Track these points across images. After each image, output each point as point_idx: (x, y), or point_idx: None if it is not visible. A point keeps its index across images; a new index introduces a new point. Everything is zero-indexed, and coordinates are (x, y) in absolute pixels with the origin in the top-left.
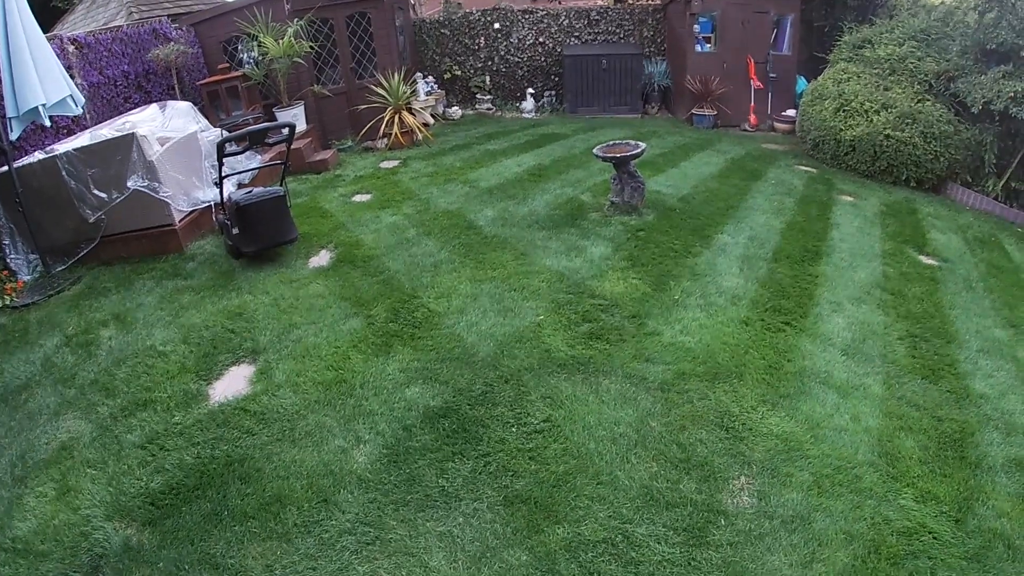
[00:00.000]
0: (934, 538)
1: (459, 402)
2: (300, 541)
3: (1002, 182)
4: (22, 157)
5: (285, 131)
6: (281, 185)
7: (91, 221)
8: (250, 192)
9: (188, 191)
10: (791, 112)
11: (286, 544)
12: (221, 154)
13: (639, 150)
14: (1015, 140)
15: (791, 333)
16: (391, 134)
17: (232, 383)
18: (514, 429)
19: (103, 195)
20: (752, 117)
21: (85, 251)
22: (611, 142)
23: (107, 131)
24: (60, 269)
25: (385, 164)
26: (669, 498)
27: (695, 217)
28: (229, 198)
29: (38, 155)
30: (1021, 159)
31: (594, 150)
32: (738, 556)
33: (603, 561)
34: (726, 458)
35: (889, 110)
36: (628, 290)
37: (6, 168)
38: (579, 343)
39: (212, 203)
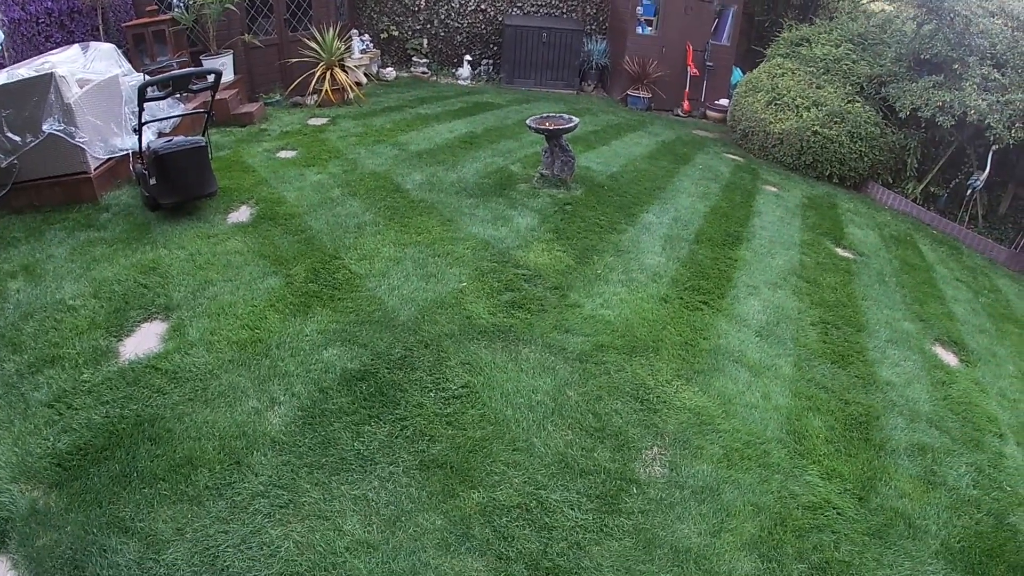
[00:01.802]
0: (838, 513)
1: (377, 365)
2: (211, 504)
3: (922, 186)
4: None
5: (211, 78)
6: (203, 136)
7: (3, 166)
8: (170, 141)
9: (106, 138)
10: (724, 101)
11: (197, 507)
12: (142, 98)
13: (572, 124)
14: (938, 148)
15: (708, 312)
16: (322, 91)
17: (144, 340)
18: (432, 394)
19: (16, 138)
20: (686, 103)
21: None
22: (545, 114)
23: (24, 71)
24: None
25: (313, 121)
26: (583, 466)
27: (623, 195)
28: (148, 147)
29: None
30: (942, 166)
31: (527, 121)
32: (649, 523)
33: (517, 526)
34: (640, 429)
35: (819, 107)
36: (552, 262)
37: None
38: (501, 311)
39: (130, 152)
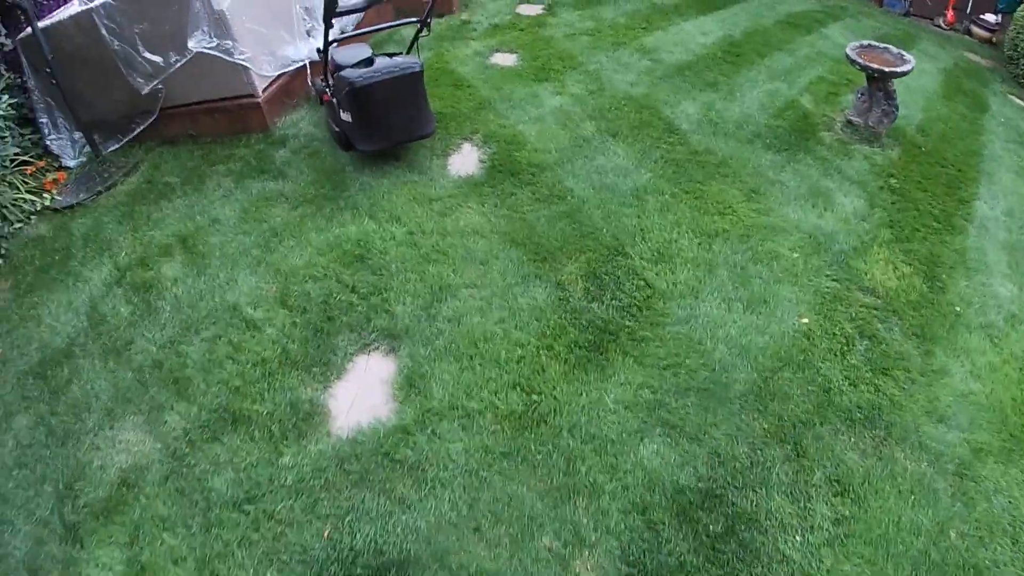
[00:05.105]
0: None
1: (721, 480)
2: None
3: None
4: (57, 9)
5: None
6: (413, 52)
7: (144, 93)
8: (371, 64)
9: (274, 48)
10: (990, 17)
11: None
12: (331, 12)
13: (907, 67)
14: None
15: None
16: None
17: (363, 392)
18: (798, 538)
19: (157, 59)
20: (950, 13)
21: (141, 128)
22: (866, 42)
23: None
24: (113, 149)
25: (525, 9)
26: None
27: (941, 161)
28: (334, 60)
29: (74, 5)
30: None
31: (847, 50)
32: None
33: None
34: None
35: None
36: (900, 284)
37: (30, 29)
38: (862, 378)
39: (307, 62)
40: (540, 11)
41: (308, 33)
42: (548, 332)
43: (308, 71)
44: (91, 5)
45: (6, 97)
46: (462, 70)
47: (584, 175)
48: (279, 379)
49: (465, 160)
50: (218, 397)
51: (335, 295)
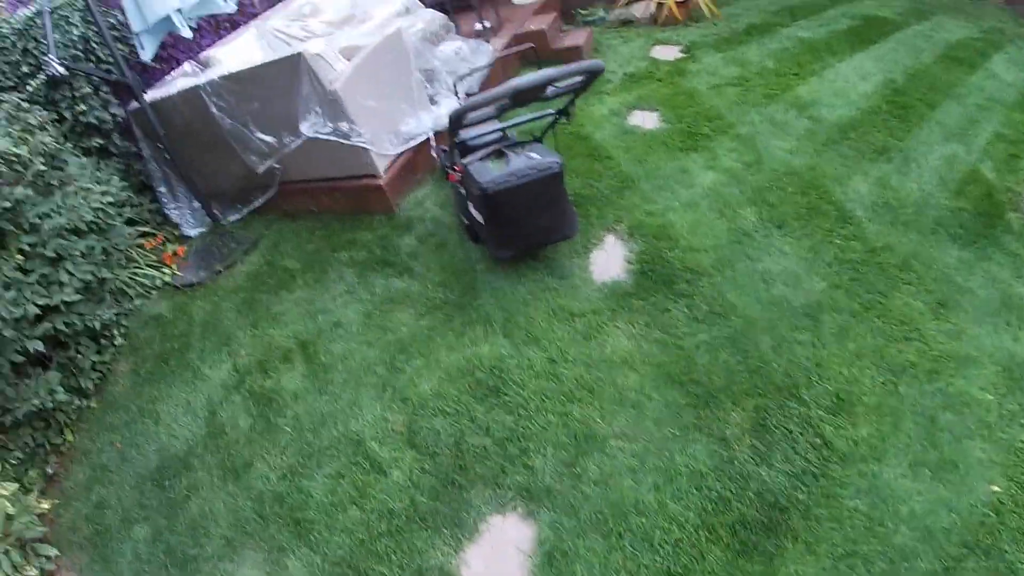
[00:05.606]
0: None
1: None
2: None
3: None
4: (169, 75)
5: (578, 79)
6: (544, 140)
7: (259, 171)
8: (500, 155)
9: (395, 124)
10: None
11: None
12: (458, 126)
13: None
14: None
15: None
16: (661, 2)
17: (498, 561)
18: None
19: (270, 139)
20: None
21: (261, 202)
22: None
23: (277, 21)
24: (234, 220)
25: (660, 53)
26: None
27: None
28: (461, 139)
29: (185, 75)
30: None
31: None
32: None
33: None
34: None
35: None
36: None
37: (138, 105)
38: None
39: (430, 133)
40: (678, 54)
41: (431, 100)
42: (710, 507)
43: (432, 141)
44: (199, 82)
45: (116, 179)
46: (598, 136)
47: (748, 284)
48: (407, 536)
49: (609, 259)
50: (341, 549)
51: (467, 437)
